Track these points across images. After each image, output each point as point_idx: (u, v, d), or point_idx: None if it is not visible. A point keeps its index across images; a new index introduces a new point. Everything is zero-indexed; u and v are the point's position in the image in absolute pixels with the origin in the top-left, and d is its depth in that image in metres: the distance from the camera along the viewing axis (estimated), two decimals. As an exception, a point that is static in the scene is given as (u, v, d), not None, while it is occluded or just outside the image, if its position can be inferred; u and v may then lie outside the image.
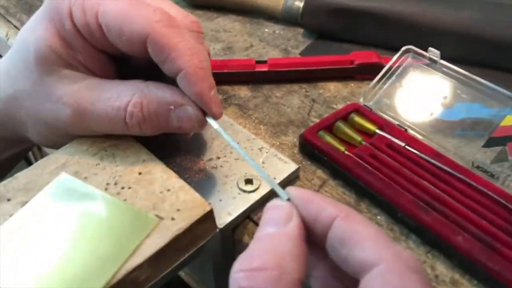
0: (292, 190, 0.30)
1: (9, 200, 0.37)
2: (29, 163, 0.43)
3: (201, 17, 0.68)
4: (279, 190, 0.32)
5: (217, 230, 0.39)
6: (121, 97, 0.38)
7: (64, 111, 0.39)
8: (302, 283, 0.26)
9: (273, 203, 0.29)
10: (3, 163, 0.49)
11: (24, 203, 0.37)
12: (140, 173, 0.39)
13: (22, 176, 0.39)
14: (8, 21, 0.68)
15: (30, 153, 1.15)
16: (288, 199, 0.29)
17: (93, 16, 0.37)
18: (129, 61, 0.43)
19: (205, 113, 0.39)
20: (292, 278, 0.25)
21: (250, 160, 0.36)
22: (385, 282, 0.24)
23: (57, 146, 0.42)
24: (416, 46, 0.52)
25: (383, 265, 0.25)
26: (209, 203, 0.37)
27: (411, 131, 0.48)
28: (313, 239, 0.28)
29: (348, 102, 0.53)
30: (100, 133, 0.41)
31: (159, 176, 0.39)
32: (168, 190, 0.38)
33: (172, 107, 0.38)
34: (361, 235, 0.26)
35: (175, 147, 0.46)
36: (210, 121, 0.39)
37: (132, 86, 0.39)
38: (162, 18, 0.37)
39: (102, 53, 0.40)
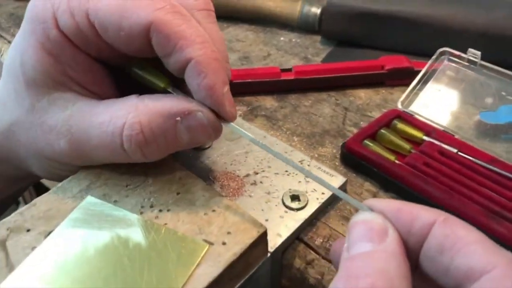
0: (374, 201, 0.26)
1: (28, 230, 0.32)
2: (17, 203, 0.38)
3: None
4: (355, 203, 0.28)
5: (269, 254, 0.34)
6: (114, 120, 0.32)
7: (59, 142, 0.34)
8: None
9: (361, 217, 0.25)
10: (4, 201, 0.43)
11: (47, 234, 0.31)
12: (178, 193, 0.34)
13: (41, 202, 0.34)
14: (1, 36, 0.63)
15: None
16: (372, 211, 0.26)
17: (83, 16, 0.31)
18: (125, 70, 0.37)
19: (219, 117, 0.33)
20: None
21: (305, 171, 0.32)
22: None
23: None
24: (447, 50, 0.49)
25: (496, 271, 0.22)
26: (262, 224, 0.32)
27: (457, 136, 0.44)
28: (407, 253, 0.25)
29: (383, 109, 0.50)
30: (101, 163, 0.36)
31: (201, 195, 0.34)
32: (214, 210, 0.33)
33: (178, 118, 0.32)
34: (465, 240, 0.23)
35: (204, 163, 0.41)
36: (230, 125, 0.33)
37: (125, 105, 0.33)
38: (164, 5, 0.31)
39: (95, 63, 0.35)
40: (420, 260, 0.25)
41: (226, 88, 0.32)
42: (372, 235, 0.24)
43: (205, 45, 0.31)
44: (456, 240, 0.23)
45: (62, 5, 0.32)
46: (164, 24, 0.31)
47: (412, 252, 0.25)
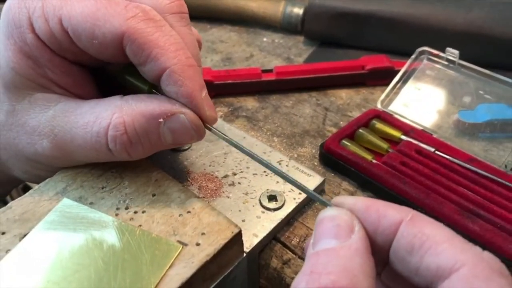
0: (343, 199, 0.26)
1: (3, 233, 0.32)
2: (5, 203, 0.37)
3: (194, 28, 0.65)
4: (320, 199, 0.28)
5: (244, 254, 0.34)
6: (99, 121, 0.32)
7: (41, 143, 0.34)
8: None
9: (328, 213, 0.25)
10: None
11: (22, 236, 0.31)
12: (154, 195, 0.34)
13: (17, 205, 0.34)
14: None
15: None
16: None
17: (57, 22, 0.31)
18: (105, 69, 0.38)
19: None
20: None
21: (280, 171, 0.32)
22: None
23: None
24: (427, 49, 0.50)
25: (464, 269, 0.22)
26: (236, 225, 0.33)
27: (435, 136, 0.44)
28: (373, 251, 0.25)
29: (363, 109, 0.50)
30: (84, 162, 0.36)
31: (176, 196, 0.34)
32: (189, 212, 0.33)
33: (161, 119, 0.32)
34: (433, 239, 0.23)
35: (183, 164, 0.41)
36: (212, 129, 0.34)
37: (109, 105, 0.33)
38: (136, 12, 0.31)
39: (73, 65, 0.35)
40: (390, 259, 0.25)
41: (204, 93, 0.33)
42: (337, 232, 0.24)
43: (179, 52, 0.32)
44: (424, 239, 0.23)
45: (37, 10, 0.32)
46: (137, 33, 0.31)
47: (380, 250, 0.25)
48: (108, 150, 0.33)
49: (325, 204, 0.27)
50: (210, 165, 0.41)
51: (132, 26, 0.31)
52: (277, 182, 0.39)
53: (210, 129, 0.34)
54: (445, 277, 0.22)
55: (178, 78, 0.31)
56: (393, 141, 0.44)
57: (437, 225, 0.24)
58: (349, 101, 0.51)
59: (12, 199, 0.34)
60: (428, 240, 0.23)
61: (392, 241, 0.24)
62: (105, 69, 0.38)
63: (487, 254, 0.23)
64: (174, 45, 0.32)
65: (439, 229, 0.24)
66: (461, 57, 0.48)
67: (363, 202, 0.26)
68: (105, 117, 0.32)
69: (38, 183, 0.37)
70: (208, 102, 0.33)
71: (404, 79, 0.49)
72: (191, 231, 0.32)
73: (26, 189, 1.06)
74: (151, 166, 0.37)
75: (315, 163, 0.43)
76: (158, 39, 0.31)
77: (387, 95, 0.48)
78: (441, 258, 0.23)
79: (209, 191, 0.39)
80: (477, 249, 0.23)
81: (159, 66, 0.31)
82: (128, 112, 0.32)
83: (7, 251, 0.30)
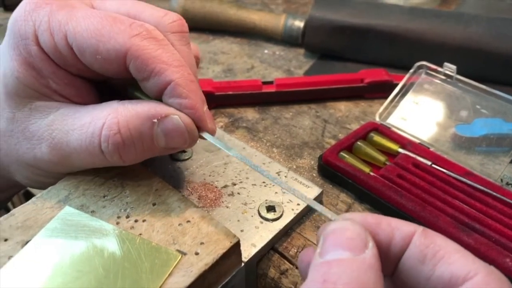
0: (353, 215, 0.27)
1: (6, 240, 0.32)
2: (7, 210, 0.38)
3: (197, 39, 0.66)
4: (331, 214, 0.28)
5: (242, 264, 0.35)
6: (94, 121, 0.33)
7: (40, 147, 0.35)
8: None
9: (340, 224, 0.25)
10: None
11: (24, 243, 0.32)
12: (154, 204, 0.35)
13: (19, 213, 0.34)
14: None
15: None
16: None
17: (62, 37, 0.32)
18: (108, 82, 0.39)
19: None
20: None
21: (280, 181, 0.33)
22: None
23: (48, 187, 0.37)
24: (425, 64, 0.50)
25: (478, 277, 0.23)
26: (235, 235, 0.33)
27: (432, 149, 0.45)
28: (383, 266, 0.25)
29: (362, 122, 0.51)
30: (82, 168, 0.36)
31: (176, 206, 0.35)
32: (188, 221, 0.34)
33: (155, 120, 0.33)
34: (446, 249, 0.24)
35: (183, 174, 0.42)
36: (207, 136, 0.35)
37: (106, 107, 0.34)
38: (140, 31, 0.32)
39: (77, 77, 0.35)
40: (398, 270, 0.25)
41: (206, 107, 0.34)
42: (351, 244, 0.24)
43: (182, 68, 0.33)
44: (437, 249, 0.24)
45: (43, 24, 0.33)
46: (141, 50, 0.32)
47: (390, 262, 0.26)
48: (100, 151, 0.33)
49: (333, 219, 0.27)
50: (210, 175, 0.42)
51: (136, 43, 0.32)
52: (276, 192, 0.40)
53: (204, 138, 0.35)
54: (458, 285, 0.23)
55: (183, 91, 0.32)
56: (390, 154, 0.45)
57: (447, 238, 0.25)
58: (348, 114, 0.52)
59: (14, 205, 0.34)
60: (441, 250, 0.24)
61: (404, 253, 0.25)
62: (108, 82, 0.39)
63: (494, 268, 0.24)
64: (177, 61, 0.33)
65: (449, 241, 0.25)
66: (459, 71, 0.49)
67: (373, 217, 0.26)
68: (100, 118, 0.33)
69: (40, 188, 0.37)
70: (209, 115, 0.35)
71: (403, 93, 0.50)
72: (190, 241, 0.32)
73: (27, 195, 1.06)
74: (151, 175, 0.37)
75: (314, 175, 0.44)
76: (161, 55, 0.32)
77: (385, 108, 0.49)
78: (455, 267, 0.23)
79: (209, 201, 0.39)
80: (485, 263, 0.24)
81: (163, 79, 0.32)
82: (123, 113, 0.33)
83: (9, 257, 0.31)
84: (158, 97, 0.34)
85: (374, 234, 0.25)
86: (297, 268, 0.37)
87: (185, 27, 0.36)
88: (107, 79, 0.37)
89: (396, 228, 0.25)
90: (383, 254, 0.25)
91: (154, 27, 0.34)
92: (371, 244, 0.24)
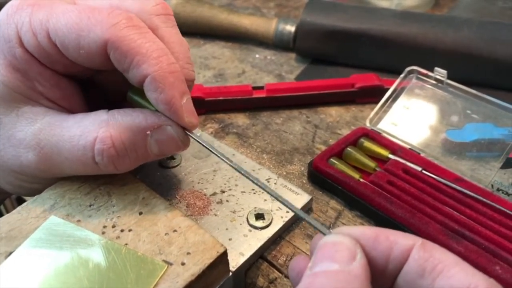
0: (350, 229, 0.26)
1: (-11, 251, 0.32)
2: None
3: (188, 44, 0.65)
4: (318, 225, 0.28)
5: (230, 273, 0.34)
6: (85, 134, 0.33)
7: (27, 155, 0.34)
8: None
9: (331, 238, 0.26)
10: None
11: (8, 254, 0.31)
12: (140, 213, 0.35)
13: (3, 222, 0.34)
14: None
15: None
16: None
17: (44, 36, 0.32)
18: (94, 82, 0.38)
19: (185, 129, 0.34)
20: None
21: (270, 190, 0.32)
22: None
23: (35, 193, 0.37)
24: (417, 68, 0.50)
25: None
26: (222, 244, 0.33)
27: (423, 155, 0.45)
28: (380, 280, 0.25)
29: (352, 127, 0.51)
30: (73, 174, 0.36)
31: (163, 215, 0.35)
32: (175, 231, 0.33)
33: (148, 132, 0.33)
34: (445, 262, 0.24)
35: (172, 181, 0.41)
36: (195, 136, 0.34)
37: (96, 120, 0.33)
38: (119, 19, 0.31)
39: (63, 78, 0.35)
40: (397, 284, 0.25)
41: (185, 99, 0.33)
42: (338, 256, 0.24)
43: (161, 59, 0.32)
44: (436, 263, 0.24)
45: (25, 25, 0.33)
46: (119, 41, 0.31)
47: (389, 277, 0.25)
48: (94, 163, 0.33)
49: (322, 232, 0.27)
50: (198, 182, 0.41)
51: (115, 33, 0.31)
52: (265, 200, 0.40)
53: (191, 136, 0.34)
54: None
55: (158, 85, 0.32)
56: (381, 160, 0.44)
57: (446, 251, 0.25)
58: (338, 119, 0.52)
59: (7, 210, 0.34)
60: (440, 263, 0.24)
61: (402, 267, 0.25)
62: (94, 81, 0.38)
63: (494, 280, 0.23)
64: (156, 52, 0.32)
65: (447, 253, 0.25)
66: (450, 75, 0.49)
67: (371, 231, 0.26)
68: (91, 131, 0.33)
69: (21, 194, 0.37)
70: (189, 108, 0.33)
71: (393, 98, 0.50)
72: (177, 251, 0.32)
73: (19, 199, 1.06)
74: (139, 184, 0.37)
75: (304, 181, 0.44)
76: (140, 46, 0.31)
77: (376, 114, 0.49)
78: (455, 281, 0.23)
79: (197, 209, 0.39)
80: (484, 275, 0.24)
81: (140, 72, 0.32)
82: (114, 126, 0.33)
83: (-7, 269, 0.30)
84: (141, 88, 0.33)
85: (372, 248, 0.25)
86: (286, 276, 0.36)
87: (169, 9, 0.36)
88: (95, 74, 0.37)
89: (395, 242, 0.25)
90: (381, 268, 0.25)
91: (135, 15, 0.33)
92: (359, 255, 0.24)
